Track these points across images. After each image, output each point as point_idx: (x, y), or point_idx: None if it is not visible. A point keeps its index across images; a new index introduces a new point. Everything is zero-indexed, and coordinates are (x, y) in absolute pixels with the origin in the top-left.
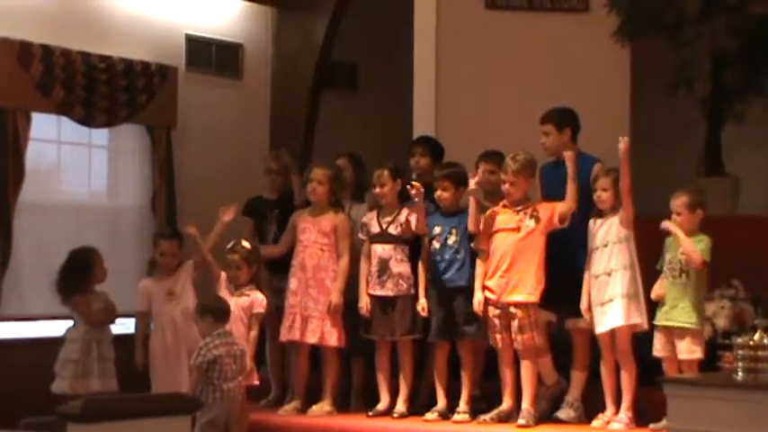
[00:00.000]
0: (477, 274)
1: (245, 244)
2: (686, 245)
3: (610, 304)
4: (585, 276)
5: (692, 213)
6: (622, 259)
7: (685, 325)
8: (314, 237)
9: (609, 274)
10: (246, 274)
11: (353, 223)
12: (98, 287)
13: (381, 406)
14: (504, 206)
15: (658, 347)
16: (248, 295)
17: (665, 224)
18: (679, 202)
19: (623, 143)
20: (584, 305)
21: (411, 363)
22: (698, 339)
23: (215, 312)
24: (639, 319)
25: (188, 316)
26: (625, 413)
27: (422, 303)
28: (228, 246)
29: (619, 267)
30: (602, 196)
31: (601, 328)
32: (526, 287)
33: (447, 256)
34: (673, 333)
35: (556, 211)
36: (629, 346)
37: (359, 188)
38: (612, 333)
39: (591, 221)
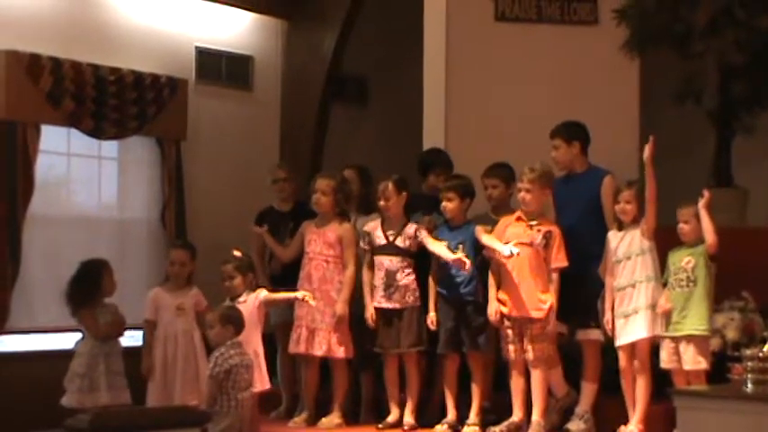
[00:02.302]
0: (490, 285)
1: (237, 253)
2: (707, 224)
3: (634, 316)
4: (607, 290)
5: (700, 222)
6: (646, 271)
7: (694, 332)
8: (319, 248)
9: (633, 286)
10: (242, 283)
11: (359, 236)
12: (107, 299)
13: (391, 418)
14: (519, 219)
15: (665, 359)
16: (245, 302)
17: (701, 204)
18: (686, 211)
19: (648, 146)
20: (607, 319)
21: (417, 375)
22: (704, 349)
23: (236, 322)
24: (662, 331)
25: (189, 335)
26: (636, 425)
27: (431, 317)
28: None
29: (643, 279)
30: (626, 208)
31: (624, 339)
32: (535, 302)
33: (454, 271)
34: (680, 343)
35: (554, 258)
36: (648, 358)
37: (365, 201)
38: (633, 344)
39: (611, 233)
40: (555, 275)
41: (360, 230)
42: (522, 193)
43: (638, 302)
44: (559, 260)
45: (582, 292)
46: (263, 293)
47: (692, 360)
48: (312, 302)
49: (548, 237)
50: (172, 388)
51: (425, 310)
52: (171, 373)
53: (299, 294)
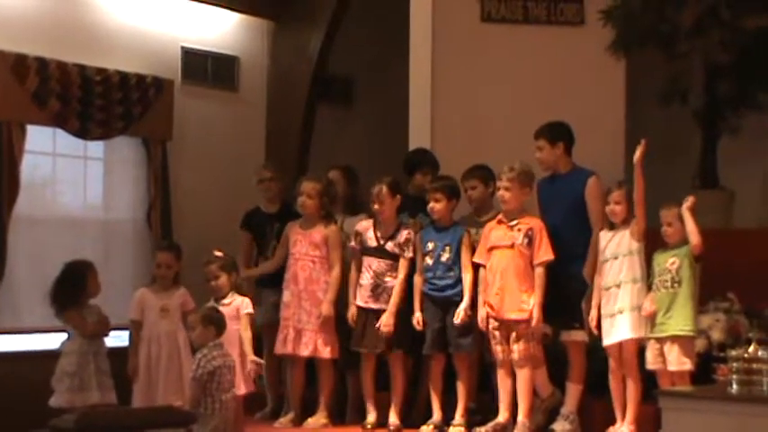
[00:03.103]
0: (479, 291)
1: (218, 253)
2: (691, 225)
3: (619, 316)
4: (595, 290)
5: (683, 224)
6: (632, 272)
7: (679, 333)
8: (305, 249)
9: (618, 287)
10: (227, 282)
11: (346, 236)
12: (92, 300)
13: (371, 419)
14: (500, 221)
15: (651, 360)
16: (230, 304)
17: (684, 207)
18: (669, 213)
19: (639, 148)
20: (593, 318)
21: (402, 375)
22: (689, 350)
23: (218, 323)
24: (648, 332)
25: (173, 336)
26: (628, 426)
27: (417, 318)
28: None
29: (628, 280)
30: (616, 209)
31: (609, 340)
32: (519, 304)
33: (440, 273)
34: (665, 343)
35: (537, 254)
36: (636, 359)
37: (351, 201)
38: (620, 345)
39: (601, 233)
40: (540, 270)
41: (347, 231)
42: (501, 191)
43: (622, 303)
44: (543, 255)
45: (565, 292)
46: (247, 309)
47: (677, 361)
48: (262, 372)
49: (530, 234)
50: (155, 388)
51: (410, 311)
52: (155, 373)
53: (251, 359)
